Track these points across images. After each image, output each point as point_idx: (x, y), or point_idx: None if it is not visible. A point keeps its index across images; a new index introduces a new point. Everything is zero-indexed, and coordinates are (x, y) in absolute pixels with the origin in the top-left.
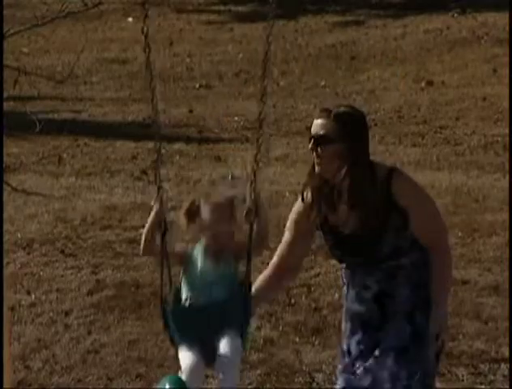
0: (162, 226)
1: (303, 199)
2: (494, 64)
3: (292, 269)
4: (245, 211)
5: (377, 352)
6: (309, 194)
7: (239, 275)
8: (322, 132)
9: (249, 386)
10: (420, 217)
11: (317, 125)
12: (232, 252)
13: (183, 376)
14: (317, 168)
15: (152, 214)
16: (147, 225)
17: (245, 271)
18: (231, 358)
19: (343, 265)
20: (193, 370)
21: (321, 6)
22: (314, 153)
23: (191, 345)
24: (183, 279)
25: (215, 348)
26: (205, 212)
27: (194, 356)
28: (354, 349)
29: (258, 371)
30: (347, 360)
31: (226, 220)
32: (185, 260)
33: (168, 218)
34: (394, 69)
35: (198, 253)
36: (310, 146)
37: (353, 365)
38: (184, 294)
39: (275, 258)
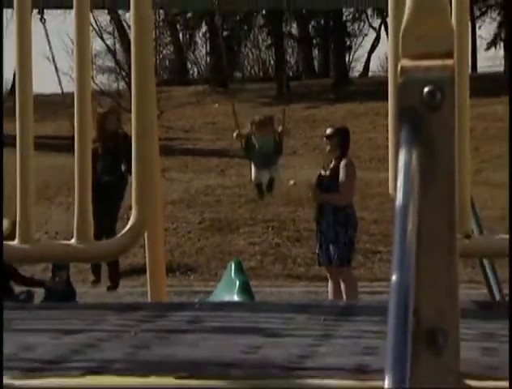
0: (240, 132)
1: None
2: (374, 124)
3: None
4: (280, 127)
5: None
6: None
7: (275, 142)
8: (328, 133)
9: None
10: (342, 180)
11: (327, 131)
12: (271, 134)
13: (253, 174)
14: (327, 151)
15: (236, 132)
16: (235, 133)
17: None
18: (278, 174)
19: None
20: (257, 172)
21: (300, 100)
22: (326, 144)
23: (257, 163)
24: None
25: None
26: (257, 120)
27: (258, 167)
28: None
29: (271, 258)
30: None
31: (270, 123)
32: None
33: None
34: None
35: (254, 135)
36: (325, 141)
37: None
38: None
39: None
